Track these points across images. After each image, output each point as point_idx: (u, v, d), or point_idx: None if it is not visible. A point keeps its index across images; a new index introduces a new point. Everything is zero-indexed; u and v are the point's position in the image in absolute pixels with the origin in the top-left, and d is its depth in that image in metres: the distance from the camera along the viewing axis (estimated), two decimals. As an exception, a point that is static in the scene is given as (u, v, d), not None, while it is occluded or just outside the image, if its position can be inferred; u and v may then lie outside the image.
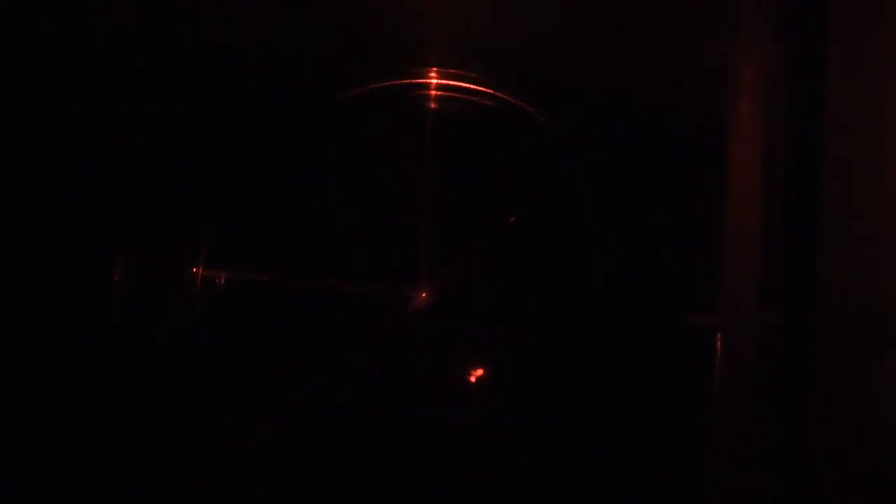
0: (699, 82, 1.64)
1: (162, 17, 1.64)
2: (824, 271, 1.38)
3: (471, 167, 1.73)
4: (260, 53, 1.67)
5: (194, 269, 1.67)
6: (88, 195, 1.66)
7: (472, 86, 1.71)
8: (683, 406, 1.64)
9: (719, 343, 1.58)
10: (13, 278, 1.63)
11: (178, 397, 1.64)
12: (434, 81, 1.71)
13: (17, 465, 1.60)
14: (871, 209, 1.40)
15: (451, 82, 1.71)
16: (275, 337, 1.68)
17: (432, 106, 1.72)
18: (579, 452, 1.68)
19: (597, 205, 1.70)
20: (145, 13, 1.63)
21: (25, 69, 1.63)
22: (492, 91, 1.71)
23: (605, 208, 1.69)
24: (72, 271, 1.65)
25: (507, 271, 1.71)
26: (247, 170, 1.68)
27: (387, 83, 1.70)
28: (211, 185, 1.68)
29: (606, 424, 1.67)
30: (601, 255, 1.69)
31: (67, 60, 1.65)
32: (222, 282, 1.68)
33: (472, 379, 1.69)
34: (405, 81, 1.71)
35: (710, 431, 1.56)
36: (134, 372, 1.63)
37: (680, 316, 1.65)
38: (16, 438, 1.60)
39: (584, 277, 1.71)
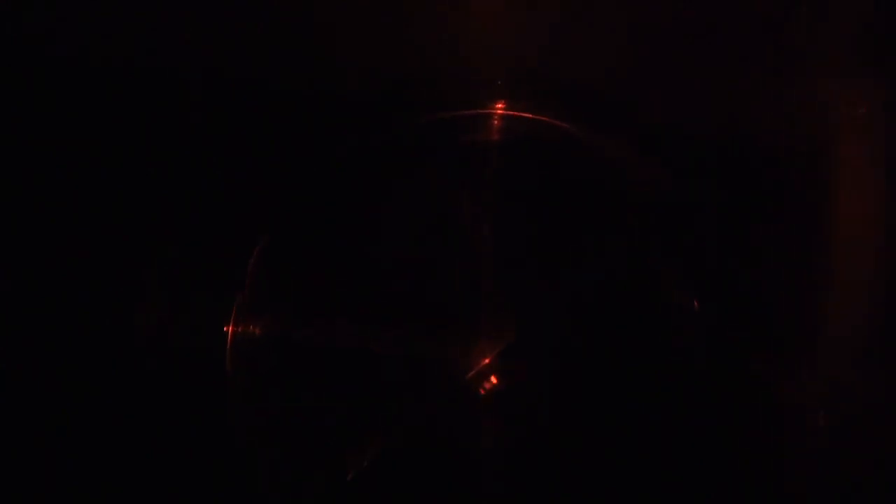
0: (797, 120, 1.52)
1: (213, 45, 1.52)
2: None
3: (539, 210, 1.57)
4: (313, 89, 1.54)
5: (225, 328, 1.49)
6: (106, 235, 1.53)
7: (540, 117, 1.56)
8: (776, 475, 1.50)
9: (816, 412, 1.48)
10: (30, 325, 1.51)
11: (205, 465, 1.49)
12: (499, 112, 1.57)
13: None
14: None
15: (518, 113, 1.57)
16: (315, 403, 1.52)
17: (495, 138, 1.57)
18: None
19: (683, 256, 1.55)
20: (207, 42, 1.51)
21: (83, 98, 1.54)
22: (563, 124, 1.55)
23: (692, 261, 1.54)
24: (88, 324, 1.51)
25: (582, 332, 1.54)
26: (292, 211, 1.54)
27: (446, 115, 1.56)
28: (249, 226, 1.53)
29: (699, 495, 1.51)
30: (688, 315, 1.52)
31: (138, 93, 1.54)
32: (257, 339, 1.51)
33: (544, 459, 1.51)
34: (466, 113, 1.57)
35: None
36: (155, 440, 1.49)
37: (772, 382, 1.51)
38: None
39: (670, 339, 1.54)
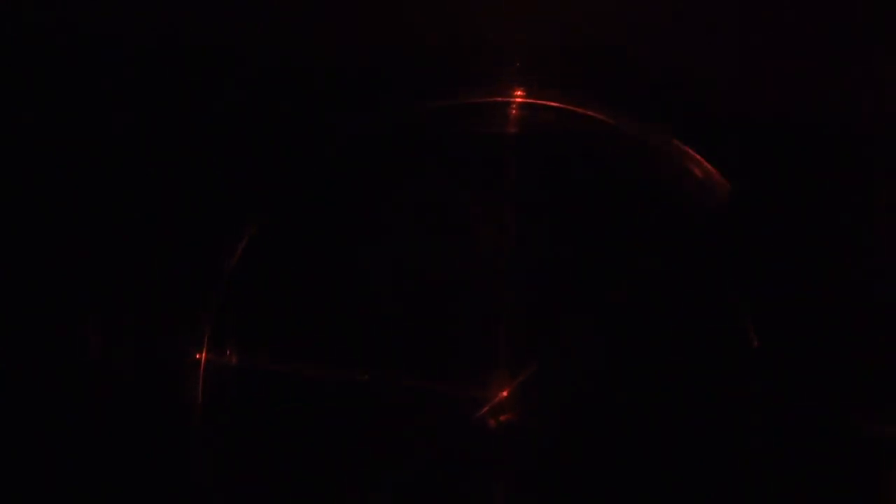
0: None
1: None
2: None
3: (566, 217, 1.45)
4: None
5: (197, 355, 1.40)
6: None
7: (567, 106, 1.45)
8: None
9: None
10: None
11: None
12: (518, 100, 1.47)
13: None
14: None
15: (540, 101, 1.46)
16: (300, 446, 1.41)
17: (513, 131, 1.47)
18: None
19: (742, 277, 1.41)
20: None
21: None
22: (595, 114, 1.44)
23: (753, 284, 1.41)
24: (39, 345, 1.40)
25: (616, 362, 1.42)
26: (277, 215, 1.43)
27: (453, 103, 1.46)
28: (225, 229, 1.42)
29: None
30: (745, 352, 1.39)
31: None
32: (233, 369, 1.42)
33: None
34: (478, 101, 1.47)
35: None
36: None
37: (855, 425, 1.40)
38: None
39: (722, 381, 1.41)
